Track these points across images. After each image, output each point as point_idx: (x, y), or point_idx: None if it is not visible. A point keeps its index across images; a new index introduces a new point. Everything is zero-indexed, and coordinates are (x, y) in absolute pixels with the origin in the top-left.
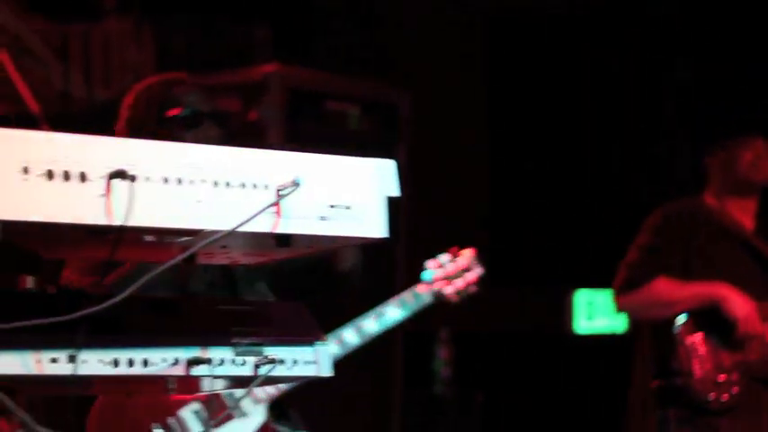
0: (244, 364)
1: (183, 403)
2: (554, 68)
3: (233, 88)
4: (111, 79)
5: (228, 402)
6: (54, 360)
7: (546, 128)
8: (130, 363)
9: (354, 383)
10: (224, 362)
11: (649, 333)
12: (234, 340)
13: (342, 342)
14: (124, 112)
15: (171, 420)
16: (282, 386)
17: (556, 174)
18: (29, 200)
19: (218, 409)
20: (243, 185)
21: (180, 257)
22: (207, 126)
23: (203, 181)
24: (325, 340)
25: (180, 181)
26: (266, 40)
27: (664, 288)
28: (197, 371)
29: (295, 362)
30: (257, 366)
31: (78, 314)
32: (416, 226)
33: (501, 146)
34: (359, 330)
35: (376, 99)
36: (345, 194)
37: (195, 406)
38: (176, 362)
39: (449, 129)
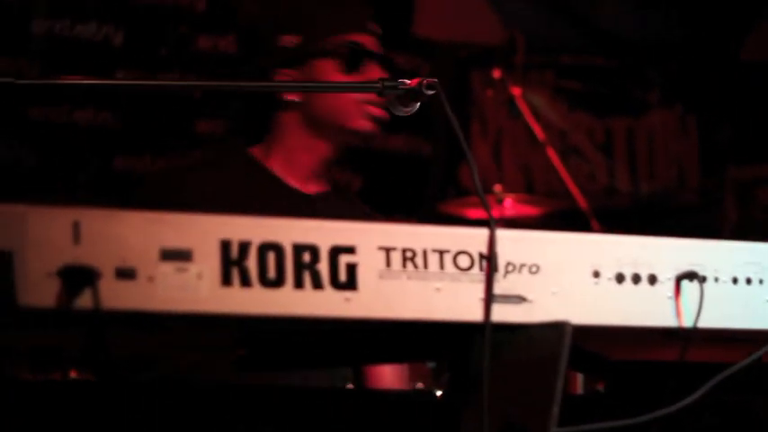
0: None
1: None
2: None
3: None
4: (655, 172)
5: None
6: None
7: None
8: None
9: None
10: None
11: None
12: None
13: None
14: None
15: None
16: None
17: None
18: (600, 303)
19: None
20: None
21: (750, 359)
22: None
23: None
24: None
25: (749, 281)
26: None
27: None
28: None
29: None
30: None
31: (647, 417)
32: None
33: None
34: None
35: None
36: None
37: None
38: None
39: None
